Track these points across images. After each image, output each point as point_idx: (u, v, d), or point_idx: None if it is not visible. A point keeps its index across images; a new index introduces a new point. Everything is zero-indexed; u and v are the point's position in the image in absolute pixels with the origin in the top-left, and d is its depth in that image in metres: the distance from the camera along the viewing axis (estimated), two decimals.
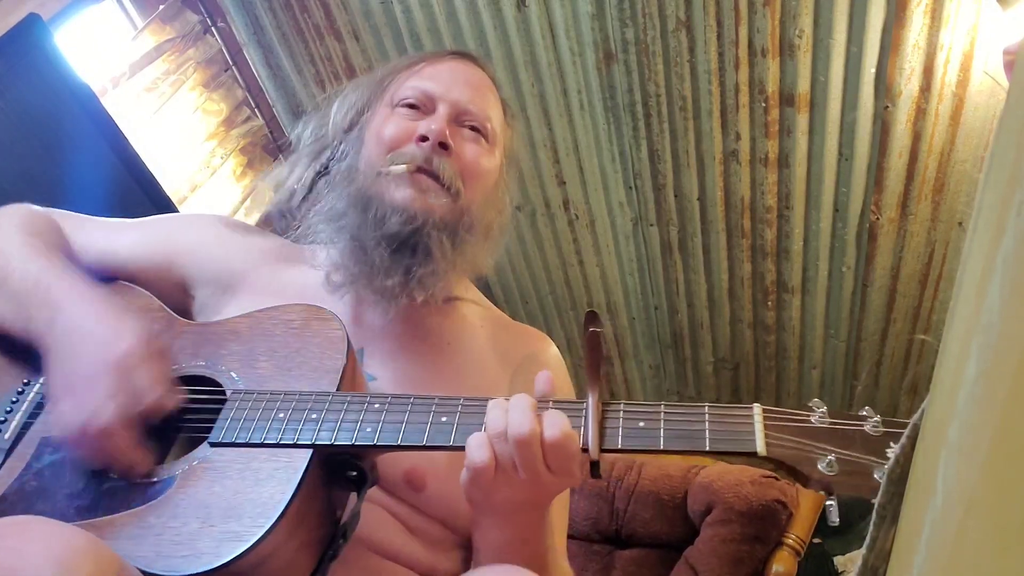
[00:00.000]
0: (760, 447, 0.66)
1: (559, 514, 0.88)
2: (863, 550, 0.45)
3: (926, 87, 1.57)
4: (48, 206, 0.99)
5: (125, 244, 0.97)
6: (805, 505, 1.39)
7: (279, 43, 2.14)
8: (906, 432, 0.43)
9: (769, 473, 1.54)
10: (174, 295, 0.96)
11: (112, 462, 0.72)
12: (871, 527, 0.44)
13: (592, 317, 0.80)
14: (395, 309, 0.90)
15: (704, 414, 0.69)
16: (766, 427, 0.67)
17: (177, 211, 1.88)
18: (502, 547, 0.77)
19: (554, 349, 1.04)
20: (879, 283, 1.96)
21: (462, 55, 1.02)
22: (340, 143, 0.98)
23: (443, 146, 0.89)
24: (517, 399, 0.70)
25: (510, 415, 0.68)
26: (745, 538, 1.40)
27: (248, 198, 2.20)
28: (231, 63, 2.14)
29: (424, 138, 0.89)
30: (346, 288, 0.90)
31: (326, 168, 0.99)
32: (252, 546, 0.65)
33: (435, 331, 0.94)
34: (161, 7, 1.90)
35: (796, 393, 2.40)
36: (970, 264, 0.34)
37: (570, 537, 1.44)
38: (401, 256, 0.87)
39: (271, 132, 2.30)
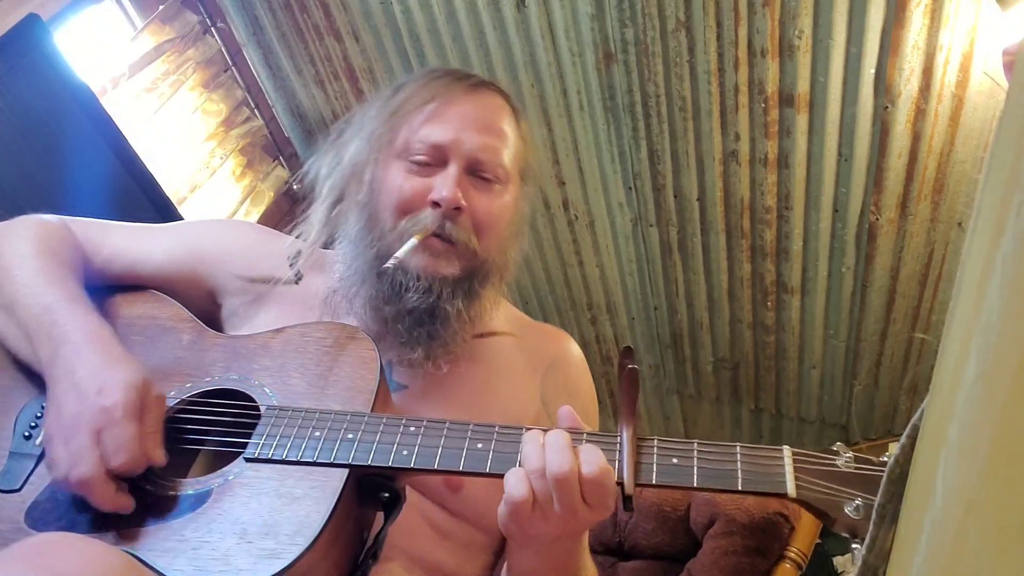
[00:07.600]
0: (791, 489, 0.68)
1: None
2: (863, 550, 0.46)
3: (925, 87, 1.57)
4: (47, 206, 0.99)
5: (155, 252, 0.98)
6: (807, 519, 1.39)
7: (279, 43, 2.14)
8: (906, 432, 0.43)
9: None
10: (202, 303, 0.98)
11: (97, 508, 0.72)
12: (871, 527, 0.44)
13: (628, 353, 0.81)
14: (420, 372, 0.92)
15: (736, 454, 0.71)
16: (796, 470, 0.69)
17: (177, 211, 1.87)
18: (537, 574, 0.79)
19: (575, 347, 1.06)
20: (879, 283, 1.96)
21: (473, 86, 0.97)
22: (351, 186, 0.97)
23: (457, 209, 0.89)
24: (553, 436, 0.70)
25: (548, 454, 0.69)
26: (747, 550, 1.40)
27: (248, 198, 2.20)
28: (231, 63, 2.14)
29: (437, 204, 0.89)
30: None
31: (340, 198, 0.98)
32: (289, 565, 0.65)
33: (462, 361, 0.96)
34: (161, 7, 1.90)
35: (796, 393, 2.40)
36: (970, 264, 0.34)
37: None
38: (421, 327, 0.89)
39: (271, 132, 2.30)
